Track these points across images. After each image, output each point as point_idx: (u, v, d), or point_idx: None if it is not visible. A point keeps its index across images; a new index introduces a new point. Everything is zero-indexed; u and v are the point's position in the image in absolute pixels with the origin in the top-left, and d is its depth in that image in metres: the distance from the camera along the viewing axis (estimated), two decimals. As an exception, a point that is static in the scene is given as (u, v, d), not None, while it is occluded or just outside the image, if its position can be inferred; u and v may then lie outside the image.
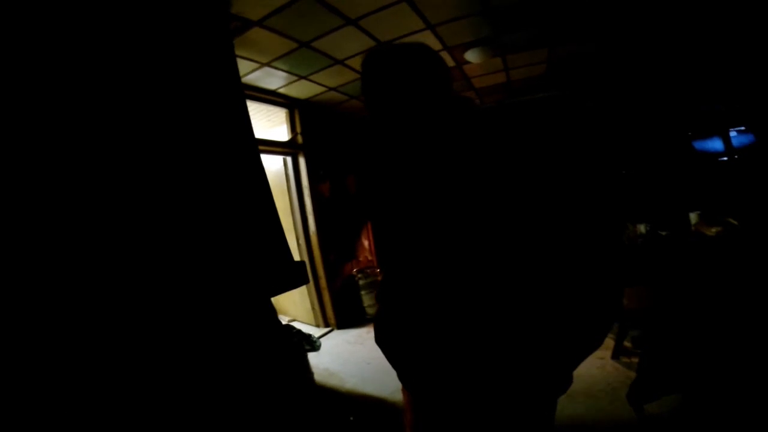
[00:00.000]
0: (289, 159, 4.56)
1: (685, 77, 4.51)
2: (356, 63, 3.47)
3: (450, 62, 3.66)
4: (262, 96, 3.86)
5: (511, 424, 0.80)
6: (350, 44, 3.08)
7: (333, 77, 3.72)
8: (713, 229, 3.48)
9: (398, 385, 2.69)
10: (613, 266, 0.77)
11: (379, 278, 4.85)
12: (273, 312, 2.08)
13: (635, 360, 2.51)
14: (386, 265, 0.89)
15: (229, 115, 2.17)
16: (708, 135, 4.65)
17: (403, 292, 0.84)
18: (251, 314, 1.84)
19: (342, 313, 4.53)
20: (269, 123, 4.46)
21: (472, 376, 0.76)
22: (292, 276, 2.28)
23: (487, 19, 2.95)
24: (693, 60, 4.24)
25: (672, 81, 4.57)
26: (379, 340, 0.91)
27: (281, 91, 3.91)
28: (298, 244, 4.56)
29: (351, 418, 2.38)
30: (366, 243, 5.42)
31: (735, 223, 3.81)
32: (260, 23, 2.52)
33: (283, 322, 4.36)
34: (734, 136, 4.35)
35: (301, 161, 4.55)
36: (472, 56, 3.50)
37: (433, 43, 3.23)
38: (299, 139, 4.47)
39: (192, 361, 1.40)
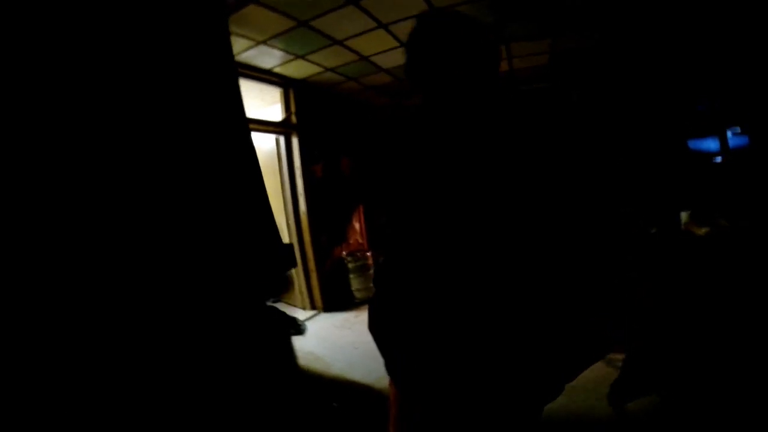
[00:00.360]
0: (282, 139, 4.47)
1: (685, 74, 4.47)
2: (356, 44, 3.35)
3: (452, 48, 3.56)
4: (257, 75, 3.73)
5: (496, 426, 0.80)
6: (350, 24, 2.96)
7: (331, 58, 3.60)
8: (703, 229, 3.52)
9: (383, 371, 2.73)
10: (608, 261, 0.77)
11: (370, 262, 4.87)
12: (261, 296, 2.07)
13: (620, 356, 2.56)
14: (389, 249, 0.88)
15: (220, 93, 2.09)
16: (704, 135, 4.66)
17: (403, 277, 0.83)
18: (239, 298, 1.83)
19: (330, 296, 4.54)
20: (263, 102, 4.33)
21: (462, 377, 0.76)
22: (280, 259, 2.26)
23: (492, 5, 2.86)
24: (692, 57, 4.20)
25: (671, 77, 4.53)
26: (372, 328, 0.89)
27: (276, 70, 3.78)
28: (288, 225, 4.52)
29: (334, 404, 2.40)
30: (357, 226, 5.39)
31: (725, 224, 3.86)
32: (256, 0, 2.40)
33: (269, 304, 4.36)
34: (731, 137, 4.36)
35: (294, 141, 4.46)
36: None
37: (436, 28, 3.13)
38: (293, 119, 4.37)
39: (174, 344, 1.38)
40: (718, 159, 4.57)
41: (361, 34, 3.15)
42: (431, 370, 0.78)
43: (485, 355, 0.74)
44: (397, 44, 3.39)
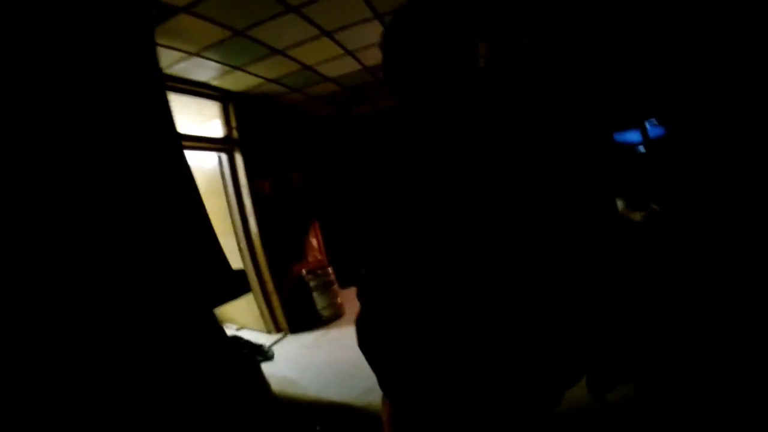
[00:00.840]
0: (224, 156, 4.19)
1: (608, 71, 4.87)
2: (298, 53, 3.22)
3: (396, 54, 3.55)
4: (192, 89, 3.45)
5: None
6: (291, 33, 2.84)
7: (272, 68, 3.43)
8: (638, 214, 3.81)
9: (364, 386, 2.61)
10: (594, 268, 0.76)
11: (332, 278, 4.71)
12: (216, 325, 1.89)
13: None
14: (369, 262, 0.82)
15: (146, 108, 1.89)
16: (626, 127, 5.10)
17: (388, 290, 0.79)
18: (190, 331, 1.67)
19: (294, 318, 4.32)
20: (201, 118, 4.04)
21: (458, 386, 0.73)
22: (231, 286, 2.08)
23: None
24: (614, 57, 4.59)
25: (597, 75, 4.91)
26: (362, 345, 0.85)
27: (214, 83, 3.54)
28: (240, 248, 4.24)
29: (318, 429, 2.26)
30: (314, 242, 5.21)
31: (657, 208, 4.22)
32: (188, 9, 2.20)
33: (231, 333, 4.05)
34: (650, 129, 4.80)
35: (238, 158, 4.21)
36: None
37: (380, 33, 3.09)
38: (235, 134, 4.12)
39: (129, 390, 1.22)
40: (641, 149, 5.01)
41: (303, 42, 3.03)
42: (428, 381, 0.75)
43: (481, 364, 0.72)
44: (342, 52, 3.31)
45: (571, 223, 0.74)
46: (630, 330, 1.98)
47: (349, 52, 3.34)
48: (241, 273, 4.18)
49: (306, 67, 3.54)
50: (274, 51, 3.09)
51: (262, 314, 4.28)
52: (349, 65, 3.62)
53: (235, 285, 2.17)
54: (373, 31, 3.03)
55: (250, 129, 4.21)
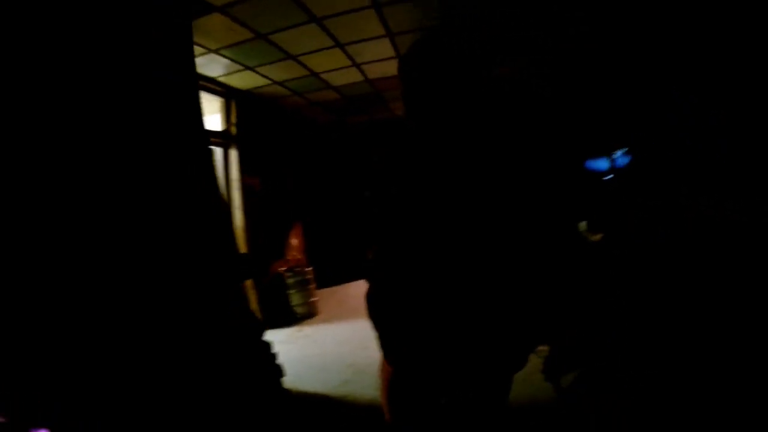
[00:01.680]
0: (219, 150, 4.25)
1: (577, 106, 5.34)
2: (309, 60, 3.39)
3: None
4: (200, 83, 3.52)
5: (478, 393, 0.98)
6: (308, 41, 3.01)
7: (282, 71, 3.58)
8: (597, 236, 4.25)
9: (341, 379, 2.71)
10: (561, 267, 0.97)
11: (310, 277, 4.81)
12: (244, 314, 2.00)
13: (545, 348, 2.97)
14: (380, 250, 0.97)
15: (182, 106, 2.00)
16: (596, 156, 5.59)
17: (397, 271, 0.94)
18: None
19: (269, 314, 4.36)
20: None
21: (445, 353, 0.91)
22: (238, 269, 2.18)
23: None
24: (584, 92, 5.05)
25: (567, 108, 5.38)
26: (372, 314, 0.99)
27: (221, 79, 3.62)
28: (225, 242, 4.26)
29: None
30: (295, 241, 5.29)
31: (614, 231, 4.67)
32: (223, 9, 2.33)
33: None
34: (618, 158, 5.30)
35: (233, 153, 4.29)
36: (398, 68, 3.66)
37: (388, 50, 3.33)
38: (233, 129, 4.20)
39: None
40: (609, 177, 5.50)
41: (317, 51, 3.21)
42: (424, 348, 0.92)
43: (470, 331, 0.90)
44: (350, 63, 3.51)
45: (537, 233, 0.94)
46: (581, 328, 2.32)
47: (356, 64, 3.55)
48: (246, 256, 4.19)
49: (313, 74, 3.71)
50: (288, 56, 3.25)
51: (242, 308, 4.29)
52: (352, 76, 3.83)
53: (241, 267, 2.27)
54: (382, 48, 3.26)
55: (247, 127, 4.29)
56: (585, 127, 5.32)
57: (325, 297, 5.04)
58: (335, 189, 5.82)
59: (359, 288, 5.53)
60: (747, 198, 3.15)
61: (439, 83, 0.89)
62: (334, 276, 5.66)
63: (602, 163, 5.50)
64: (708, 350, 1.82)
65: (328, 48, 3.17)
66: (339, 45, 3.16)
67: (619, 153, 5.41)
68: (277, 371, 2.32)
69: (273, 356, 2.37)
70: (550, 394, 2.06)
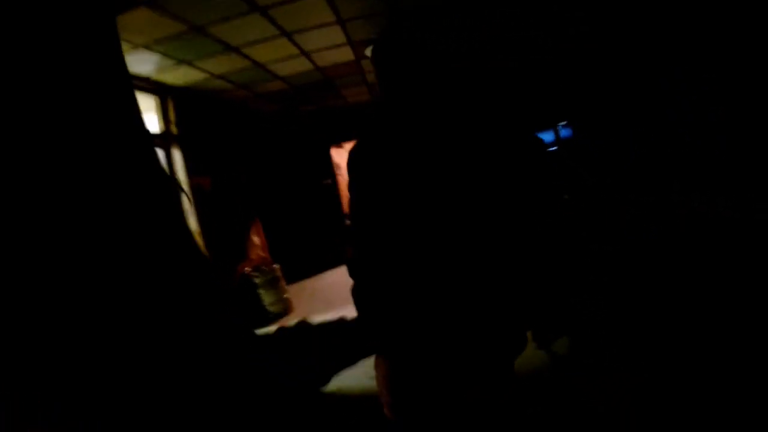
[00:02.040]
0: (161, 152, 3.91)
1: (524, 81, 5.50)
2: (253, 51, 3.15)
3: (350, 56, 3.65)
4: (129, 81, 3.16)
5: (478, 379, 0.99)
6: (251, 31, 2.78)
7: (221, 64, 3.30)
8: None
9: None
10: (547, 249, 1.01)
11: (279, 274, 4.67)
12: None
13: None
14: (361, 244, 0.96)
15: (115, 106, 1.83)
16: (541, 129, 5.84)
17: (378, 267, 0.94)
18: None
19: (241, 317, 4.21)
20: (134, 111, 3.70)
21: (440, 343, 0.92)
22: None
23: (391, 20, 3.05)
24: (531, 68, 5.20)
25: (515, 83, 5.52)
26: (361, 312, 0.99)
27: (153, 77, 3.28)
28: (181, 249, 4.01)
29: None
30: (257, 240, 5.09)
31: (567, 197, 4.97)
32: (149, 2, 2.06)
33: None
34: (561, 130, 5.57)
35: (176, 154, 3.97)
36: (371, 52, 3.56)
37: (339, 37, 3.17)
38: (174, 129, 3.86)
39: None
40: (554, 148, 5.79)
41: (260, 41, 2.98)
42: (418, 340, 0.92)
43: (466, 317, 0.91)
44: (298, 52, 3.31)
45: (520, 210, 0.98)
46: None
47: (305, 53, 3.36)
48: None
49: (257, 65, 3.46)
50: (228, 48, 2.99)
51: (209, 317, 4.11)
52: (301, 65, 3.62)
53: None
54: (333, 35, 3.10)
55: (190, 125, 3.97)
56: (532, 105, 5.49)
57: (296, 292, 4.93)
58: (292, 179, 5.62)
59: (330, 278, 5.49)
60: (739, 194, 3.19)
61: (413, 65, 0.97)
62: (301, 269, 5.56)
63: (547, 136, 5.76)
64: (700, 345, 1.93)
65: (273, 38, 2.95)
66: (285, 34, 2.95)
67: (560, 125, 5.68)
68: (264, 367, 2.27)
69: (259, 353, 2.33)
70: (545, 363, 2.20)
